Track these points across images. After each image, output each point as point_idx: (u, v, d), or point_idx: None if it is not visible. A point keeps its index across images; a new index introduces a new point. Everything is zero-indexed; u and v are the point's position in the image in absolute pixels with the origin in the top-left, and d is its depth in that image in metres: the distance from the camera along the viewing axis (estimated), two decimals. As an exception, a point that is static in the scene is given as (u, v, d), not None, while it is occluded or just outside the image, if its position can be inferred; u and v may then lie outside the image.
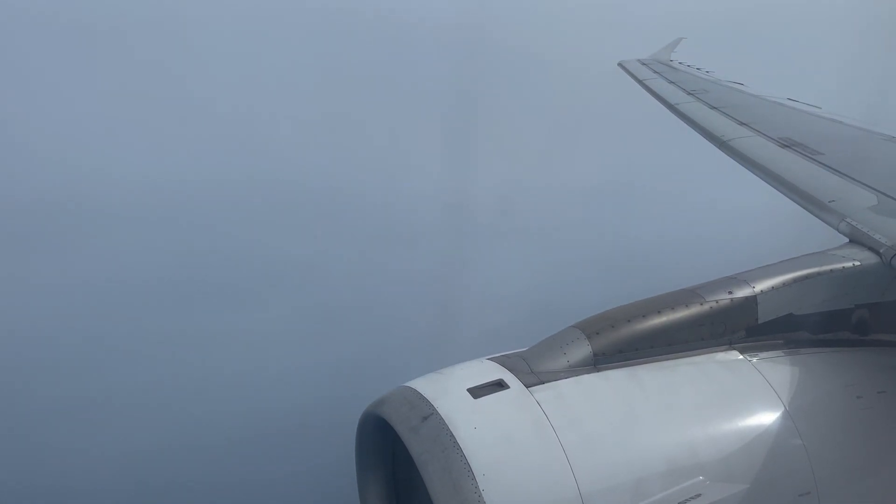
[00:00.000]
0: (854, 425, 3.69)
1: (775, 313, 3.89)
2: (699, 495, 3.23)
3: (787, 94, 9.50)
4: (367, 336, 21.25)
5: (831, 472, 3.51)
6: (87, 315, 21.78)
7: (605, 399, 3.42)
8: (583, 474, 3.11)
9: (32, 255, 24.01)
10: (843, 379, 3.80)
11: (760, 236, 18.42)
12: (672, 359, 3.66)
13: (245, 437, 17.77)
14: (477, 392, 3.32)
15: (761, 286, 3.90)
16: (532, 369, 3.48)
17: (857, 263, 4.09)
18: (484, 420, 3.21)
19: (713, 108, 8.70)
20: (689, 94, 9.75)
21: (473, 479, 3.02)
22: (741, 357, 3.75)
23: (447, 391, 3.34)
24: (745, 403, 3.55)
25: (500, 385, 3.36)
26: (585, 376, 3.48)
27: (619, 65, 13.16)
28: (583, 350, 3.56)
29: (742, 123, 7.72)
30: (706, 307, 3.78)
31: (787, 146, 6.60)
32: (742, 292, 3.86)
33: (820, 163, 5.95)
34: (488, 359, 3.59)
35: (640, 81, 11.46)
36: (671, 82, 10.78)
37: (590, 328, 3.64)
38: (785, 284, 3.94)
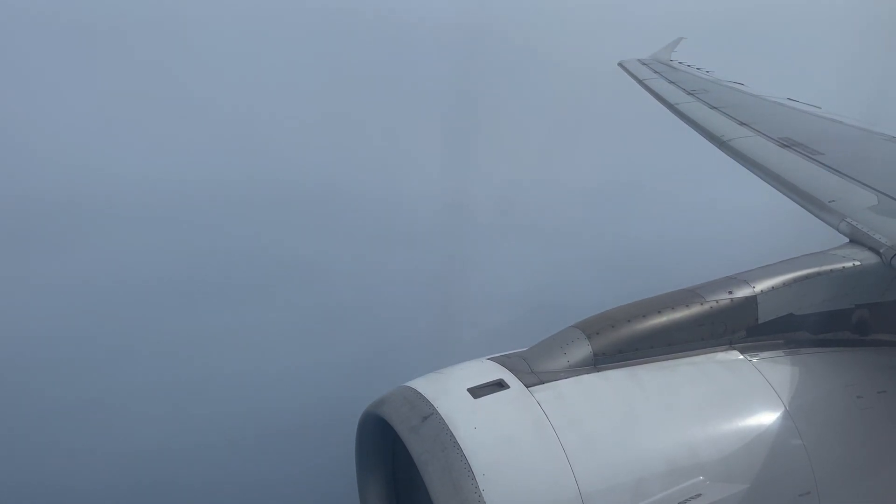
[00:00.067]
0: (854, 425, 3.68)
1: (775, 313, 3.88)
2: (699, 495, 3.22)
3: (787, 94, 9.49)
4: (367, 336, 21.26)
5: (831, 472, 3.51)
6: (88, 315, 21.78)
7: (605, 399, 3.41)
8: (583, 474, 3.11)
9: (32, 255, 24.01)
10: (844, 379, 3.79)
11: (760, 236, 18.39)
12: (672, 359, 3.65)
13: (245, 437, 17.77)
14: (477, 392, 3.31)
15: (761, 286, 3.89)
16: (532, 369, 3.47)
17: (858, 263, 4.08)
18: (484, 420, 3.20)
19: (713, 108, 8.68)
20: (689, 93, 9.73)
21: (473, 479, 3.02)
22: (741, 357, 3.75)
23: (447, 391, 3.33)
24: (746, 403, 3.54)
25: (500, 385, 3.35)
26: (585, 376, 3.47)
27: (620, 65, 13.15)
28: (583, 350, 3.55)
29: (742, 123, 7.71)
30: (706, 307, 3.78)
31: (787, 146, 6.59)
32: (742, 292, 3.85)
33: (820, 163, 5.94)
34: (488, 359, 3.58)
35: (640, 81, 11.44)
36: (671, 82, 10.76)
37: (590, 328, 3.63)
38: (785, 284, 3.93)
